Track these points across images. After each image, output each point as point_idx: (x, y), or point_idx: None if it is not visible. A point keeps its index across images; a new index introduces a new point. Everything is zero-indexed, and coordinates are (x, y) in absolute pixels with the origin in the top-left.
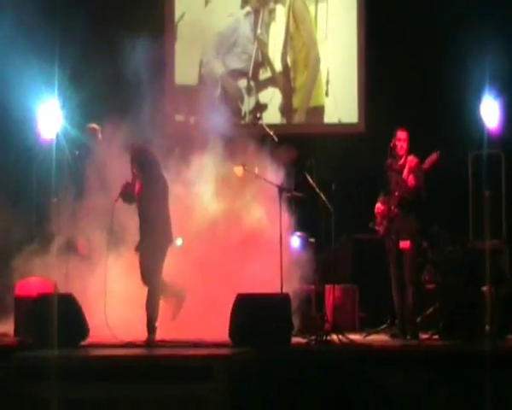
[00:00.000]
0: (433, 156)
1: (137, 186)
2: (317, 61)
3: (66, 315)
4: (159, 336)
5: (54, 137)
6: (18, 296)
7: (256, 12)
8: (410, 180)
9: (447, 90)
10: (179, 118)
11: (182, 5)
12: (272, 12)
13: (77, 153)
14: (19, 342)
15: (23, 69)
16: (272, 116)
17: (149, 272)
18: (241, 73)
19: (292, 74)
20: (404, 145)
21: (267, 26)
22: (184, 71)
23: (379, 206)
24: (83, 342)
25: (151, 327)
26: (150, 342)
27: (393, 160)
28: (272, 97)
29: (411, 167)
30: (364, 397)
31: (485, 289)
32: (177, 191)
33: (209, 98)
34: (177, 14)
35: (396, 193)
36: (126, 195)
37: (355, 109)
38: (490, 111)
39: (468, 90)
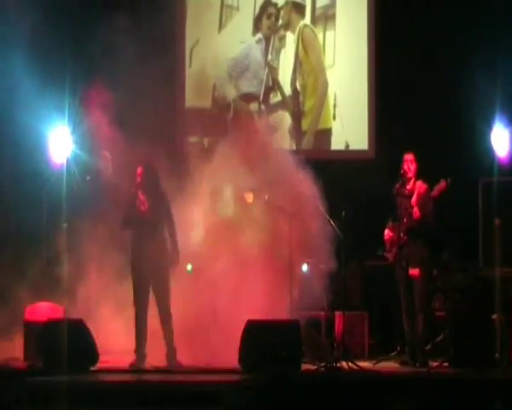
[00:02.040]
0: (442, 184)
1: (145, 204)
2: (325, 85)
3: (76, 340)
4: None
5: (64, 161)
6: (27, 321)
7: (267, 39)
8: (415, 212)
9: (458, 118)
10: (193, 140)
11: (196, 32)
12: (282, 39)
13: (88, 178)
14: (29, 366)
15: (35, 95)
16: (282, 139)
17: (168, 297)
18: (252, 97)
19: (301, 98)
20: (412, 167)
21: (277, 53)
22: (198, 94)
23: (388, 232)
24: (93, 367)
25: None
26: (174, 367)
27: (402, 185)
28: (282, 120)
29: (420, 194)
30: None
31: (495, 316)
32: (186, 216)
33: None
34: (192, 40)
35: (405, 219)
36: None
37: (365, 136)
38: (500, 139)
39: (479, 117)
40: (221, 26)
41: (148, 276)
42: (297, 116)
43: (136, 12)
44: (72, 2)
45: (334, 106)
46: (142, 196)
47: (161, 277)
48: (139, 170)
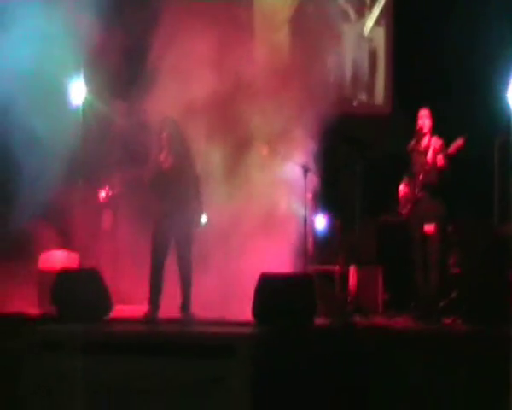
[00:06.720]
0: (459, 141)
1: (169, 160)
2: None
3: (89, 289)
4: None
5: (80, 108)
6: (41, 269)
7: None
8: (439, 160)
9: (474, 75)
10: None
11: None
12: None
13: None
14: (42, 314)
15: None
16: None
17: (190, 254)
18: None
19: None
20: (427, 122)
21: None
22: None
23: (403, 189)
24: (106, 317)
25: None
26: (188, 319)
27: (417, 141)
28: None
29: (436, 149)
30: (384, 379)
31: (510, 273)
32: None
33: None
34: None
35: (420, 176)
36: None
37: (380, 91)
38: None
39: (496, 74)
40: None
41: (171, 232)
42: None
43: None
44: None
45: None
46: (164, 154)
47: (184, 234)
48: (162, 132)
